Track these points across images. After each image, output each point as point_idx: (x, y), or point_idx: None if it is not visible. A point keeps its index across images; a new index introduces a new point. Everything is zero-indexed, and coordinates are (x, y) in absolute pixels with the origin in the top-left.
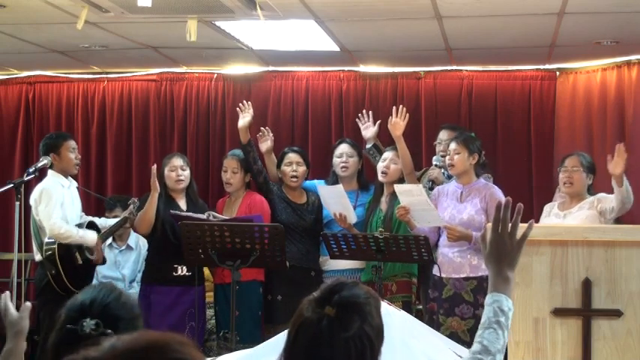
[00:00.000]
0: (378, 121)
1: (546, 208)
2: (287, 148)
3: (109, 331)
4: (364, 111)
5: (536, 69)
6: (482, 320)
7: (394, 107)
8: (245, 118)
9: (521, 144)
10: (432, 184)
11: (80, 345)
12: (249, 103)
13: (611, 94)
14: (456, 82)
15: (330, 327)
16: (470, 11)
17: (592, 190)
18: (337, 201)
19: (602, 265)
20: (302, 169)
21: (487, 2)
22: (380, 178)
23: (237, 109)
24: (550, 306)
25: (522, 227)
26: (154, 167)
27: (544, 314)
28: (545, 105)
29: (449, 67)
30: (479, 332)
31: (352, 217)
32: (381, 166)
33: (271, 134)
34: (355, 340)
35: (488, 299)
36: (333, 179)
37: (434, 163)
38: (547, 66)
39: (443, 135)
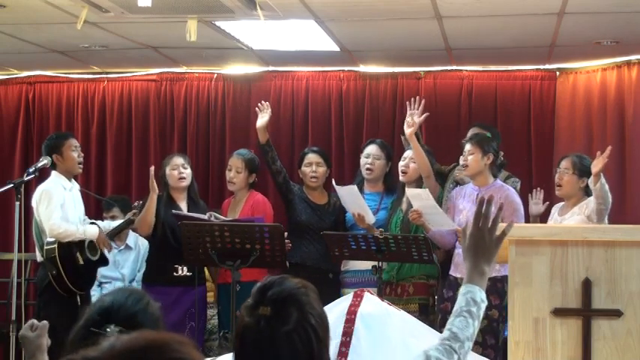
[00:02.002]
0: (426, 114)
1: (552, 210)
2: (307, 148)
3: None
4: (418, 97)
5: (536, 69)
6: (455, 309)
7: (412, 99)
8: (263, 118)
9: (521, 144)
10: (457, 185)
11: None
12: (268, 103)
13: (611, 94)
14: (456, 82)
15: (269, 325)
16: (470, 11)
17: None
18: (354, 201)
19: (602, 265)
20: (322, 169)
21: (487, 2)
22: (400, 177)
23: (257, 108)
24: (550, 306)
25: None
26: (152, 169)
27: (544, 314)
28: (545, 105)
29: (449, 67)
30: (450, 320)
31: (370, 218)
32: (400, 165)
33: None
34: (298, 331)
35: (462, 289)
36: (359, 179)
37: (461, 162)
38: (547, 66)
39: (472, 134)
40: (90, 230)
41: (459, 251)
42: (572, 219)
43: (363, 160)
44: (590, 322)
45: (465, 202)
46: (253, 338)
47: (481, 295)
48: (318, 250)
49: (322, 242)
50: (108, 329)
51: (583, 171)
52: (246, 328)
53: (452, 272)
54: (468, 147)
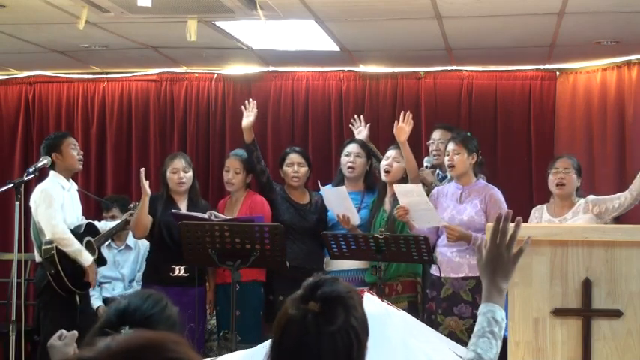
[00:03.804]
0: (368, 124)
1: (535, 212)
2: (289, 148)
3: None
4: (355, 116)
5: (536, 69)
6: (476, 329)
7: (402, 112)
8: (249, 117)
9: (521, 144)
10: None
11: None
12: (254, 102)
13: (611, 94)
14: (456, 82)
15: (315, 322)
16: (470, 11)
17: (580, 192)
18: (340, 203)
19: (602, 265)
20: (303, 169)
21: (487, 2)
22: (383, 177)
23: (242, 107)
24: (550, 306)
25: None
26: (142, 170)
27: (544, 314)
28: (545, 105)
29: (449, 67)
30: (472, 340)
31: (355, 219)
32: (383, 164)
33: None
34: (342, 333)
35: (482, 308)
36: (339, 178)
37: (424, 164)
38: (547, 66)
39: (436, 135)
40: (85, 256)
41: (441, 250)
42: (577, 219)
43: (344, 159)
44: (590, 322)
45: (449, 201)
46: (297, 331)
47: (501, 313)
48: (302, 249)
49: (305, 241)
50: (122, 330)
51: (578, 171)
52: (291, 320)
53: (433, 271)
54: (452, 147)
